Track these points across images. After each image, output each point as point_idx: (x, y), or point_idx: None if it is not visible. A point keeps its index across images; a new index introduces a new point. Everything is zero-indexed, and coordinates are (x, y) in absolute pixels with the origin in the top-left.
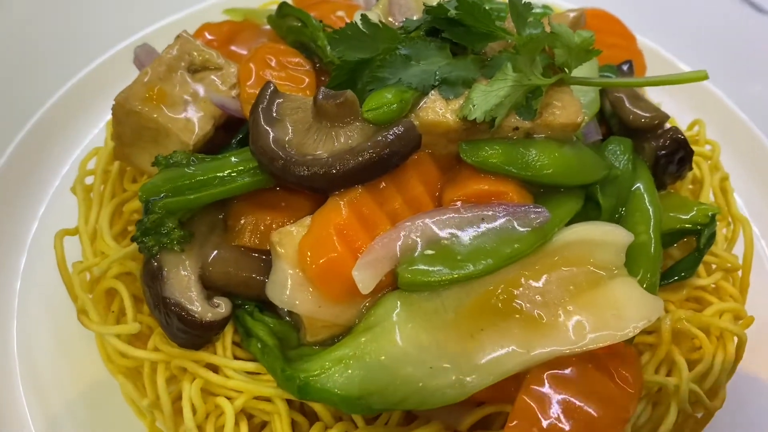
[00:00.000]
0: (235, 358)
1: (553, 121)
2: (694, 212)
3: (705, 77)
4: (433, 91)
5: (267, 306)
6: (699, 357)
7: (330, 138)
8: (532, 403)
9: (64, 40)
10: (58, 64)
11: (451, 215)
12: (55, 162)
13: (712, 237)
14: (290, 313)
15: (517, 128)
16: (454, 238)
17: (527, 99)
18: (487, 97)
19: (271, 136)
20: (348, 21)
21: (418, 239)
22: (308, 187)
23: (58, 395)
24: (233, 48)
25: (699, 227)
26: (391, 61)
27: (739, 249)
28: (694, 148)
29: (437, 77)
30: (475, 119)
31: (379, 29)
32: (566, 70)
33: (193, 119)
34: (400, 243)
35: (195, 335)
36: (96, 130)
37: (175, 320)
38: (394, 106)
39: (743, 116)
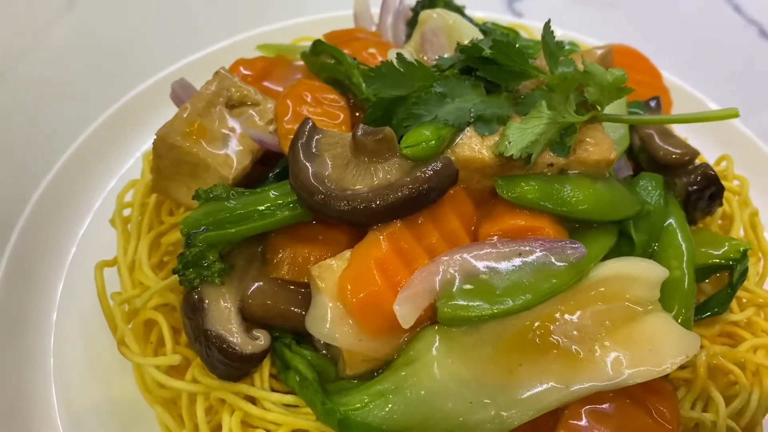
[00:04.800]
0: (272, 390)
1: (587, 158)
2: (726, 248)
3: (736, 115)
4: (468, 128)
5: (303, 339)
6: (735, 393)
7: (369, 173)
8: None
9: (98, 72)
10: (94, 95)
11: (488, 250)
12: (91, 192)
13: (744, 272)
14: (327, 346)
15: (551, 164)
16: (492, 273)
17: (561, 136)
18: (522, 134)
19: (310, 171)
20: (380, 58)
21: (457, 273)
22: (348, 222)
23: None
24: (266, 84)
25: (731, 263)
26: (427, 99)
27: None
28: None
29: (472, 114)
30: (511, 156)
31: (414, 67)
32: (598, 107)
33: (232, 154)
34: (439, 277)
35: (234, 367)
36: (132, 160)
37: (215, 352)
38: (432, 142)
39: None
